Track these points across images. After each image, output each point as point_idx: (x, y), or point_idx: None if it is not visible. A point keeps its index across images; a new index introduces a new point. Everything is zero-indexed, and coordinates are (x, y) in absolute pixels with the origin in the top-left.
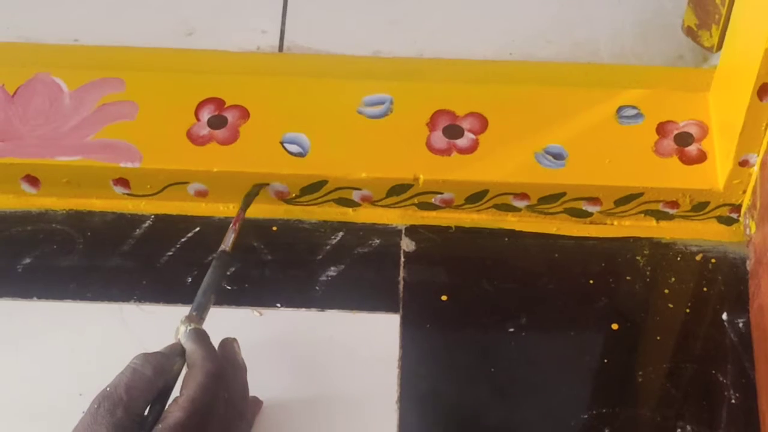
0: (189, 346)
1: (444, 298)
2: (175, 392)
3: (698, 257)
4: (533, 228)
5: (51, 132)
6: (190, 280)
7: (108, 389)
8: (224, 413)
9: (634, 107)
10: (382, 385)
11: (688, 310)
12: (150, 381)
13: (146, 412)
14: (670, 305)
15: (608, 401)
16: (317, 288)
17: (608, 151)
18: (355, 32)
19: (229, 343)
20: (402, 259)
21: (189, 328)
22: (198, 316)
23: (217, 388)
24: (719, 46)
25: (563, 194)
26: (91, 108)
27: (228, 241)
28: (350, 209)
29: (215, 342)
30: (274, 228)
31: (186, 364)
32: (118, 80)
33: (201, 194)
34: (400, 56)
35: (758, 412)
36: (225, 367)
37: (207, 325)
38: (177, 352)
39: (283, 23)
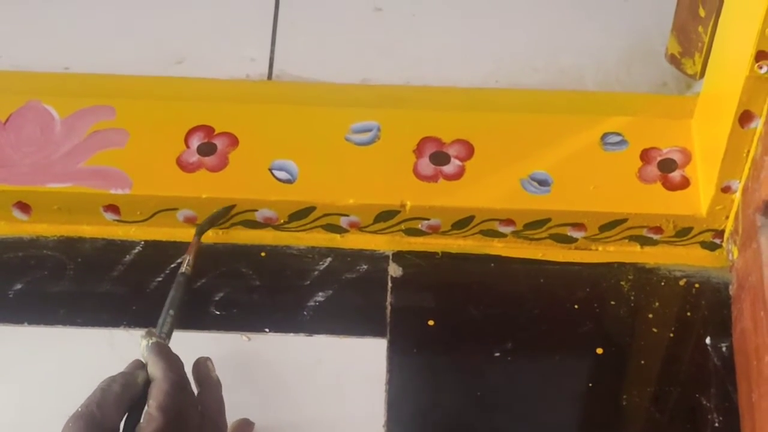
0: (151, 358)
1: (431, 323)
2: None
3: (682, 282)
4: (519, 253)
5: (42, 159)
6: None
7: (79, 410)
8: (200, 426)
9: (618, 134)
10: (369, 409)
11: (672, 335)
12: (118, 396)
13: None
14: (654, 330)
15: (593, 425)
16: (305, 313)
17: (593, 178)
18: (344, 60)
19: (202, 362)
20: (389, 284)
21: (150, 341)
22: (159, 332)
23: (183, 395)
24: (702, 74)
25: (548, 220)
26: (81, 135)
27: (186, 265)
28: (338, 235)
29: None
30: (263, 254)
31: (151, 377)
32: (109, 108)
33: (190, 220)
34: (388, 84)
35: None
36: (185, 376)
37: (197, 350)
38: (138, 367)
39: (272, 51)
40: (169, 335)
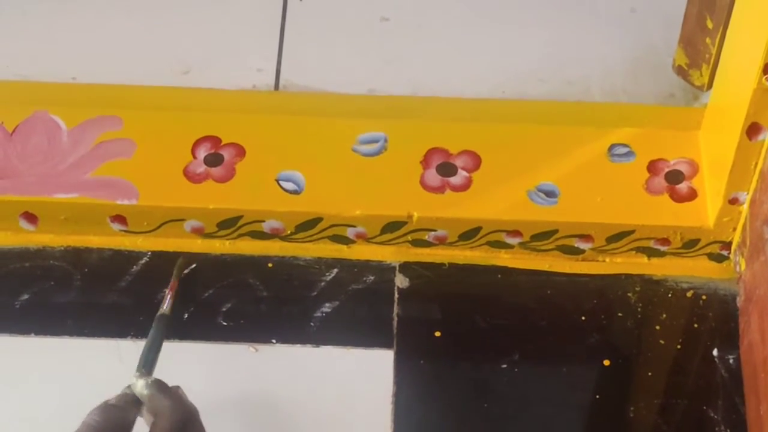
0: (156, 396)
1: (437, 334)
2: None
3: (689, 294)
4: (526, 265)
5: (49, 169)
6: (186, 316)
7: None
8: None
9: (625, 145)
10: (376, 420)
11: (679, 347)
12: None
13: None
14: (662, 341)
15: None
16: (312, 324)
17: (600, 189)
18: (350, 71)
19: (175, 391)
20: (396, 295)
21: (150, 380)
22: (147, 372)
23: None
24: (709, 85)
25: (555, 231)
26: (88, 146)
27: (166, 306)
28: (345, 246)
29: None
30: (270, 264)
31: (153, 413)
32: (116, 118)
33: (197, 231)
34: (395, 94)
35: None
36: (192, 414)
37: (204, 361)
38: (131, 403)
39: (279, 62)
40: (152, 375)
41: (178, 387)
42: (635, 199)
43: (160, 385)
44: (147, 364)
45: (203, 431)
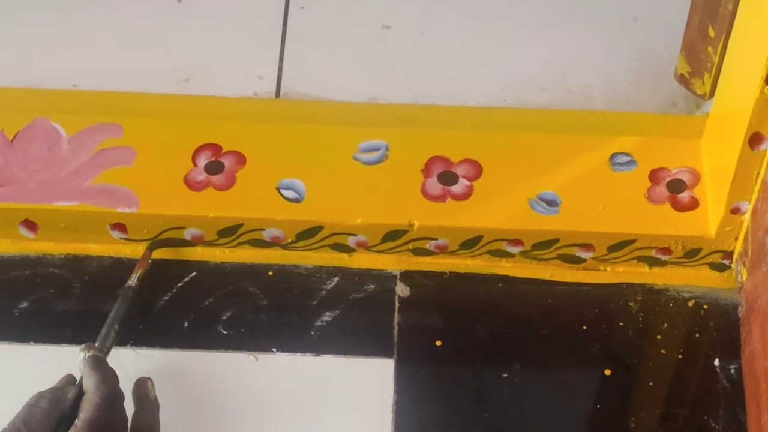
0: (86, 371)
1: (438, 343)
2: None
3: (690, 303)
4: (527, 274)
5: (49, 177)
6: (186, 324)
7: (6, 428)
8: None
9: (627, 154)
10: (376, 429)
11: (680, 356)
12: (46, 412)
13: None
14: (663, 351)
15: None
16: (312, 333)
17: (601, 198)
18: (351, 79)
19: (142, 382)
20: (397, 304)
21: (87, 355)
22: (100, 346)
23: (114, 409)
24: (711, 94)
25: (557, 240)
26: (89, 153)
27: (133, 278)
28: (346, 255)
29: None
30: (270, 273)
31: (85, 389)
32: (116, 126)
33: (198, 239)
34: (396, 103)
35: None
36: (119, 390)
37: (205, 370)
38: (70, 382)
39: (280, 69)
40: (110, 349)
41: (148, 378)
42: (637, 208)
43: (93, 361)
44: (102, 337)
45: (149, 423)
